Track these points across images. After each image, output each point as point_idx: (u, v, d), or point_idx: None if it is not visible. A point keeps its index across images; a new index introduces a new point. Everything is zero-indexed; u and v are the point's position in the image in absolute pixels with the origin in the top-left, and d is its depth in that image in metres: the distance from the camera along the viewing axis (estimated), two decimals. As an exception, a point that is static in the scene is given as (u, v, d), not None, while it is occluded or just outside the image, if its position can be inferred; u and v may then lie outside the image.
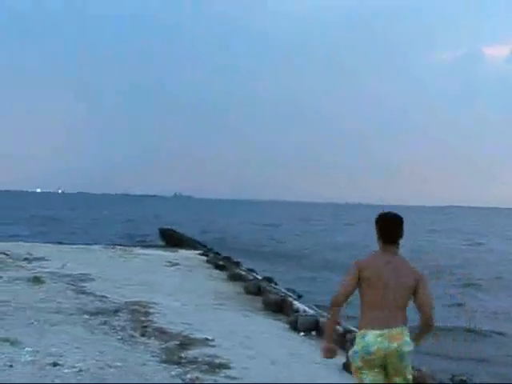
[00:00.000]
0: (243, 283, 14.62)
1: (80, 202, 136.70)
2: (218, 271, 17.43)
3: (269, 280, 15.59)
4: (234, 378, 6.59)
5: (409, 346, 4.47)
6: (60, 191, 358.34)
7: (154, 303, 10.64)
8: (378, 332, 4.38)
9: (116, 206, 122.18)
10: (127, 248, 22.58)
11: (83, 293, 11.17)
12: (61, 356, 6.70)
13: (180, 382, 6.32)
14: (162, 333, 8.47)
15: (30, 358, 6.50)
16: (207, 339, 8.27)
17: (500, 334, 13.93)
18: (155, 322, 9.11)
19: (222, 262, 18.87)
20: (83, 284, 12.20)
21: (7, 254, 16.25)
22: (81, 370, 6.25)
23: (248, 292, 13.55)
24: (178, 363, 7.01)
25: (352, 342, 4.70)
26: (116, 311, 9.62)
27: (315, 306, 10.52)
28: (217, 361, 7.23)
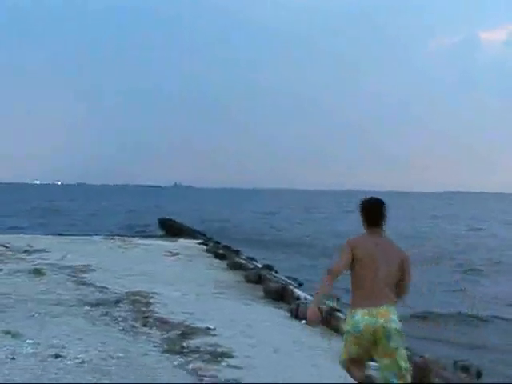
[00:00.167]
0: (243, 272, 14.62)
1: (79, 194, 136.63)
2: (218, 260, 17.43)
3: (269, 268, 15.60)
4: (237, 367, 6.59)
5: (396, 324, 4.70)
6: (59, 183, 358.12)
7: (155, 293, 10.63)
8: (366, 310, 4.67)
9: (115, 196, 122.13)
10: (127, 238, 22.57)
11: (84, 284, 11.17)
12: (63, 348, 6.69)
13: (182, 371, 6.32)
14: (163, 323, 8.47)
15: (31, 350, 6.50)
16: (208, 328, 8.27)
17: (501, 319, 13.94)
18: (156, 312, 9.10)
19: (221, 251, 18.88)
20: (83, 275, 12.20)
21: (7, 247, 16.25)
22: (83, 362, 6.24)
23: (248, 280, 13.55)
24: (180, 353, 7.01)
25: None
26: (117, 302, 9.61)
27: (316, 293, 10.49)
28: (219, 350, 7.23)
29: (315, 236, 37.03)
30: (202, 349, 7.24)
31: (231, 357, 6.99)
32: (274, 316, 10.03)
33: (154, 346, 7.24)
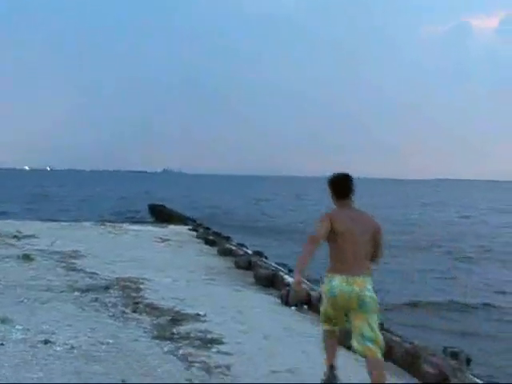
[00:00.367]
0: (234, 258, 14.62)
1: (69, 179, 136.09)
2: (208, 246, 17.43)
3: (259, 255, 15.58)
4: (227, 353, 6.59)
5: (370, 293, 4.96)
6: (48, 168, 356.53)
7: (145, 279, 10.61)
8: (344, 277, 4.94)
9: (106, 182, 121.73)
10: (117, 224, 22.51)
11: (73, 270, 11.13)
12: (52, 333, 6.67)
13: (173, 357, 6.31)
14: (153, 309, 8.45)
15: (21, 336, 6.47)
16: (199, 314, 8.26)
17: (492, 307, 14.00)
18: (146, 298, 9.09)
19: (212, 237, 18.87)
20: (73, 261, 12.15)
21: (-4, 232, 16.15)
22: (72, 347, 6.23)
23: (239, 267, 13.55)
24: (170, 339, 7.00)
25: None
26: (107, 288, 9.58)
27: (306, 280, 10.51)
28: (209, 336, 7.23)
29: (308, 223, 36.99)
30: (192, 335, 7.23)
31: (221, 343, 6.99)
32: (265, 302, 10.04)
33: (144, 332, 7.23)
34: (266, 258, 15.19)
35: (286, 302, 9.78)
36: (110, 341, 6.64)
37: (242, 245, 18.01)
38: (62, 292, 9.02)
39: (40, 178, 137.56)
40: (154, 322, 7.78)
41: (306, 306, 9.64)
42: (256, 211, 48.85)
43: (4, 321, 6.97)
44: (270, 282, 11.61)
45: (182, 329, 7.49)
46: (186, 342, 6.94)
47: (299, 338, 7.55)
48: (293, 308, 9.64)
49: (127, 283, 10.14)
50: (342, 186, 5.28)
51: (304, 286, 10.39)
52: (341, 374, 5.50)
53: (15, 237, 15.49)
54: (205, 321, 7.99)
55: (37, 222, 21.56)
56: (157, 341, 6.89)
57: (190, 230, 22.36)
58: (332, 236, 5.05)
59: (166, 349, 6.60)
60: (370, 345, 4.97)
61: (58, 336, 6.58)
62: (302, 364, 5.82)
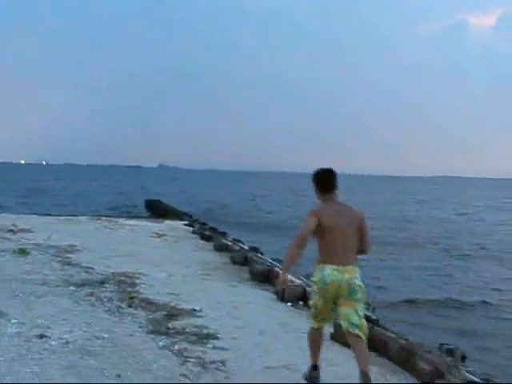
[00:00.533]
0: (229, 254, 14.61)
1: (65, 174, 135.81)
2: (204, 242, 17.43)
3: (255, 250, 15.58)
4: (223, 349, 6.59)
5: (359, 282, 5.18)
6: (44, 162, 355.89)
7: (141, 274, 10.60)
8: (335, 266, 5.13)
9: (102, 177, 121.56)
10: (113, 219, 22.48)
11: (69, 264, 11.11)
12: (47, 328, 6.65)
13: (168, 352, 6.31)
14: (149, 303, 8.44)
15: (16, 330, 6.45)
16: (194, 310, 8.26)
17: (488, 304, 14.00)
18: (142, 293, 9.08)
19: (208, 233, 18.87)
20: (69, 255, 12.12)
21: (-8, 226, 16.11)
22: (68, 342, 6.21)
23: (234, 262, 13.56)
24: (166, 334, 7.00)
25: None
26: (102, 282, 9.56)
27: (302, 276, 10.52)
28: (205, 331, 7.23)
29: (304, 219, 36.89)
30: (187, 330, 7.23)
31: (217, 338, 6.99)
32: (260, 298, 10.04)
33: (140, 327, 7.22)
34: (261, 253, 15.18)
35: (282, 297, 9.79)
36: (106, 335, 6.63)
37: (238, 240, 17.98)
38: (57, 286, 9.00)
39: (36, 172, 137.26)
40: (150, 316, 7.77)
41: (301, 302, 9.65)
42: (252, 207, 48.84)
43: (-1, 315, 6.96)
44: (265, 277, 11.62)
45: (178, 324, 7.49)
46: (182, 337, 6.94)
47: (295, 334, 7.54)
48: (288, 304, 9.65)
49: (123, 278, 10.13)
50: (326, 180, 5.46)
51: (299, 281, 10.43)
52: (329, 368, 5.52)
53: (11, 231, 15.45)
54: (200, 316, 7.99)
55: (33, 216, 21.51)
56: (152, 336, 6.88)
57: (186, 225, 22.34)
58: (320, 231, 5.23)
59: (161, 344, 6.60)
60: (356, 331, 5.17)
61: (54, 330, 6.57)
62: (297, 360, 5.82)
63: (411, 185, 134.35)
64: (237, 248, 15.56)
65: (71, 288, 8.99)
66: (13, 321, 6.78)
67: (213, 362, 6.10)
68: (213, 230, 20.38)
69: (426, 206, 57.59)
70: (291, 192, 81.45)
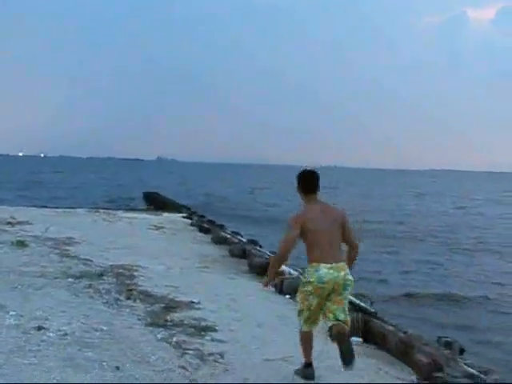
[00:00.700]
0: (228, 246, 14.62)
1: (63, 166, 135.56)
2: (202, 234, 17.43)
3: (254, 243, 15.59)
4: (221, 341, 6.59)
5: (351, 277, 5.40)
6: (42, 155, 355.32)
7: (139, 266, 10.59)
8: (328, 265, 5.29)
9: (99, 169, 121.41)
10: (111, 211, 22.44)
11: (67, 256, 11.09)
12: (46, 320, 6.64)
13: (166, 344, 6.31)
14: (147, 296, 8.44)
15: (14, 322, 6.45)
16: (193, 302, 8.25)
17: (486, 298, 13.98)
18: (140, 286, 9.07)
19: (206, 225, 18.86)
20: (67, 248, 12.10)
21: (-10, 218, 16.08)
22: (66, 334, 6.21)
23: (233, 255, 13.57)
24: (164, 326, 6.99)
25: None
26: (101, 275, 9.55)
27: (300, 268, 10.51)
28: (203, 323, 7.23)
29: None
30: (185, 322, 7.23)
31: (215, 330, 7.00)
32: (259, 291, 10.03)
33: (138, 319, 7.22)
34: (260, 246, 15.19)
35: (280, 290, 9.79)
36: (104, 327, 6.62)
37: (237, 233, 18.00)
38: (55, 278, 8.99)
39: (34, 165, 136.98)
40: (148, 309, 7.77)
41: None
42: (251, 200, 48.81)
43: (-3, 307, 6.95)
44: (264, 270, 11.58)
45: (176, 316, 7.49)
46: (180, 329, 6.94)
47: (293, 327, 7.49)
48: (287, 296, 9.65)
49: (121, 270, 10.12)
50: (309, 182, 5.64)
51: (296, 273, 10.43)
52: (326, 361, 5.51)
53: (9, 223, 15.42)
54: (198, 308, 7.99)
55: (31, 209, 21.48)
56: (150, 328, 6.88)
57: (184, 217, 22.32)
58: (306, 234, 5.42)
59: (159, 336, 6.60)
60: (341, 324, 5.40)
61: (52, 322, 6.56)
62: (296, 353, 5.81)
63: (409, 178, 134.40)
64: (235, 241, 15.57)
65: (69, 280, 8.97)
66: (11, 313, 6.77)
67: (211, 354, 6.10)
68: (211, 222, 20.39)
69: (424, 200, 57.58)
70: (291, 185, 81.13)
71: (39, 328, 6.29)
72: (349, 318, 5.50)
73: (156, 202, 29.16)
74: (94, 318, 6.99)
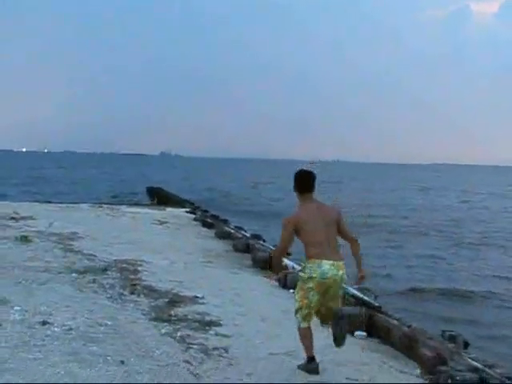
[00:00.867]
0: (231, 241, 14.61)
1: (66, 161, 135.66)
2: (206, 229, 17.41)
3: (257, 237, 15.57)
4: (225, 335, 6.60)
5: (345, 276, 5.59)
6: (45, 150, 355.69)
7: (143, 261, 10.60)
8: (330, 262, 5.45)
9: (103, 165, 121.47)
10: (115, 206, 22.43)
11: (71, 251, 11.10)
12: (50, 314, 6.66)
13: (170, 339, 6.31)
14: (151, 291, 8.45)
15: (19, 317, 6.46)
16: (197, 297, 8.26)
17: (491, 293, 13.94)
18: (144, 280, 9.08)
19: (209, 220, 18.84)
20: (71, 243, 12.12)
21: (-7, 214, 16.09)
22: (70, 329, 6.22)
23: (236, 250, 13.55)
24: (168, 321, 7.00)
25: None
26: (105, 269, 9.56)
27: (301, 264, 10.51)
28: (207, 318, 7.24)
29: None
30: (189, 317, 7.24)
31: (219, 325, 7.01)
32: (263, 285, 10.05)
33: (142, 314, 7.23)
34: (264, 241, 15.16)
35: (284, 284, 9.78)
36: (108, 322, 6.63)
37: (240, 228, 17.97)
38: (59, 273, 9.01)
39: (37, 160, 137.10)
40: (152, 303, 7.78)
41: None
42: (255, 195, 48.79)
43: (2, 302, 6.96)
44: (267, 264, 11.61)
45: (180, 311, 7.50)
46: (184, 323, 6.95)
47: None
48: (291, 291, 9.63)
49: (125, 265, 10.13)
50: (305, 182, 5.79)
51: (299, 267, 10.44)
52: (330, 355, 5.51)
53: (13, 218, 15.44)
54: (203, 303, 8.00)
55: (34, 204, 21.47)
56: (155, 323, 6.89)
57: (187, 212, 22.29)
58: (302, 232, 5.57)
59: (163, 331, 6.61)
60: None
61: (56, 317, 6.57)
62: (300, 347, 5.81)
63: (412, 172, 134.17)
64: (239, 235, 15.56)
65: (73, 275, 8.99)
66: (16, 308, 6.79)
67: (215, 349, 6.11)
68: (215, 217, 20.36)
69: (429, 194, 57.49)
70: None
71: (44, 323, 6.30)
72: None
73: (159, 197, 29.09)
74: (99, 312, 7.01)
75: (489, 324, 11.40)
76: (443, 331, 7.00)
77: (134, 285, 8.71)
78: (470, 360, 6.08)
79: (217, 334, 6.64)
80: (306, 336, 5.67)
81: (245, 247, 13.56)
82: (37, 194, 35.03)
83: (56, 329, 6.17)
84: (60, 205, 21.96)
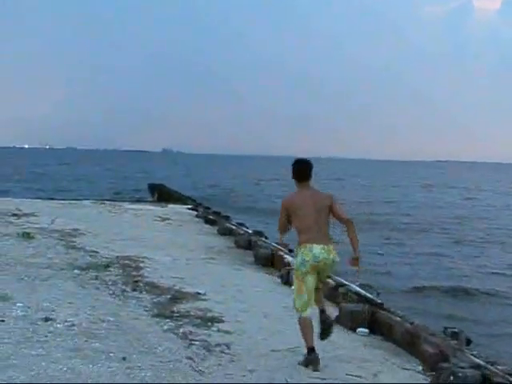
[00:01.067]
0: (234, 237, 14.61)
1: (68, 158, 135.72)
2: (208, 226, 17.41)
3: (259, 234, 15.57)
4: (227, 332, 6.60)
5: (336, 258, 5.81)
6: (47, 147, 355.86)
7: (145, 258, 10.61)
8: (321, 246, 5.71)
9: (105, 161, 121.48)
10: (117, 203, 22.44)
11: (73, 248, 11.11)
12: (52, 311, 6.66)
13: (173, 335, 6.32)
14: (153, 287, 8.46)
15: (21, 313, 6.47)
16: (199, 293, 8.27)
17: (493, 291, 13.93)
18: (146, 277, 9.09)
19: (211, 217, 18.84)
20: (73, 239, 12.13)
21: (-4, 210, 16.10)
22: (73, 325, 6.22)
23: (239, 246, 13.56)
24: (171, 317, 7.01)
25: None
26: (107, 266, 9.57)
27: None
28: (209, 314, 7.24)
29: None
30: (192, 313, 7.24)
31: (221, 321, 7.01)
32: (265, 282, 10.05)
33: (145, 310, 7.24)
34: (266, 237, 15.17)
35: (286, 281, 9.78)
36: (111, 318, 6.64)
37: (242, 224, 17.98)
38: (62, 270, 9.02)
39: (39, 157, 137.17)
40: (154, 300, 7.78)
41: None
42: (257, 192, 48.77)
43: (4, 298, 6.97)
44: (269, 261, 11.62)
45: (182, 307, 7.50)
46: (186, 320, 6.95)
47: (299, 318, 7.54)
48: (293, 287, 9.63)
49: (127, 262, 10.14)
50: (302, 170, 6.04)
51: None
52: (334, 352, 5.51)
53: (15, 215, 15.46)
54: (205, 299, 8.01)
55: (36, 201, 21.49)
56: (157, 319, 6.89)
57: (189, 209, 22.31)
58: (294, 217, 5.85)
59: (166, 327, 6.61)
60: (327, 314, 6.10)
61: (59, 313, 6.58)
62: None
63: (414, 169, 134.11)
64: (241, 232, 15.56)
65: (76, 271, 9.00)
66: (18, 304, 6.80)
67: (218, 345, 6.11)
68: (217, 214, 20.37)
69: (432, 191, 57.42)
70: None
71: (46, 319, 6.31)
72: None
73: (161, 194, 29.10)
74: (101, 309, 7.01)
75: (491, 321, 11.40)
76: (445, 328, 6.99)
77: (136, 281, 8.72)
78: (472, 357, 6.07)
79: (219, 331, 6.64)
80: (306, 325, 5.74)
81: (247, 244, 13.56)
82: (39, 191, 35.06)
83: (58, 325, 6.18)
84: (62, 201, 21.98)
